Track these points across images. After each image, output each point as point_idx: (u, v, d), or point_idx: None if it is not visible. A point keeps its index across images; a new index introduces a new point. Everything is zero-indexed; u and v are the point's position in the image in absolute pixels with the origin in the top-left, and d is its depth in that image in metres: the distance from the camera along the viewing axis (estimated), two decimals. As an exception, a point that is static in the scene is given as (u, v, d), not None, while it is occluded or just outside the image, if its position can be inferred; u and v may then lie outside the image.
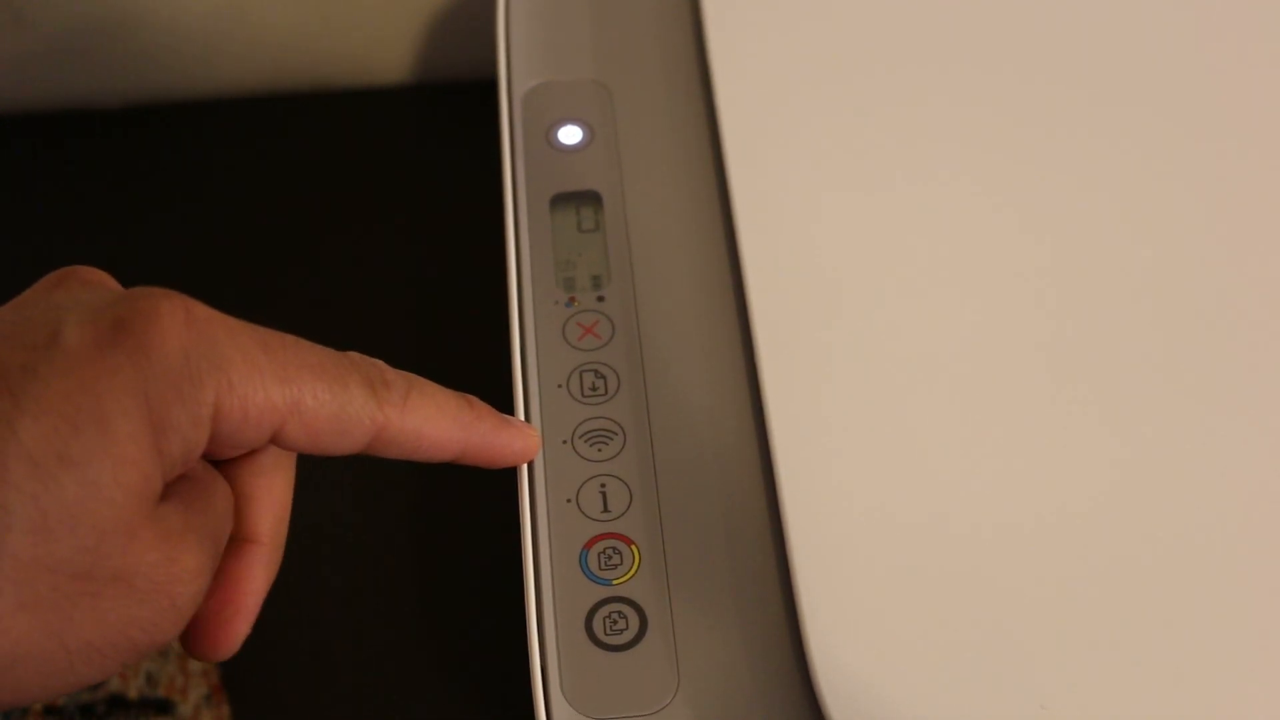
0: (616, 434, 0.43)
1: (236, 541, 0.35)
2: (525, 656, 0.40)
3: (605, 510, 0.42)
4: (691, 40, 0.52)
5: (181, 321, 0.31)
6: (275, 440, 0.33)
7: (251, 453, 0.35)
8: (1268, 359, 0.43)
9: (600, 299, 0.46)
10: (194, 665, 0.53)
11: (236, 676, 0.52)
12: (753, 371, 0.44)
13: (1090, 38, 0.51)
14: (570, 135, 0.49)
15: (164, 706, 0.52)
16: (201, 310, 0.32)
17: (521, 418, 0.44)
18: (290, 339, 0.33)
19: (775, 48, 0.50)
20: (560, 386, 0.44)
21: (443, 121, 0.66)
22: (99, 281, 0.33)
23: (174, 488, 0.32)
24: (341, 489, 0.54)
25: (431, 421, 0.36)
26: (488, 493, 0.45)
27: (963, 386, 0.43)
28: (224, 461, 0.35)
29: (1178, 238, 0.46)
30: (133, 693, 0.52)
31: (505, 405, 0.43)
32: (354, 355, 0.35)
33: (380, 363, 0.36)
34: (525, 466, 0.43)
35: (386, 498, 0.53)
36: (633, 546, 0.41)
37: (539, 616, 0.40)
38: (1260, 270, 0.45)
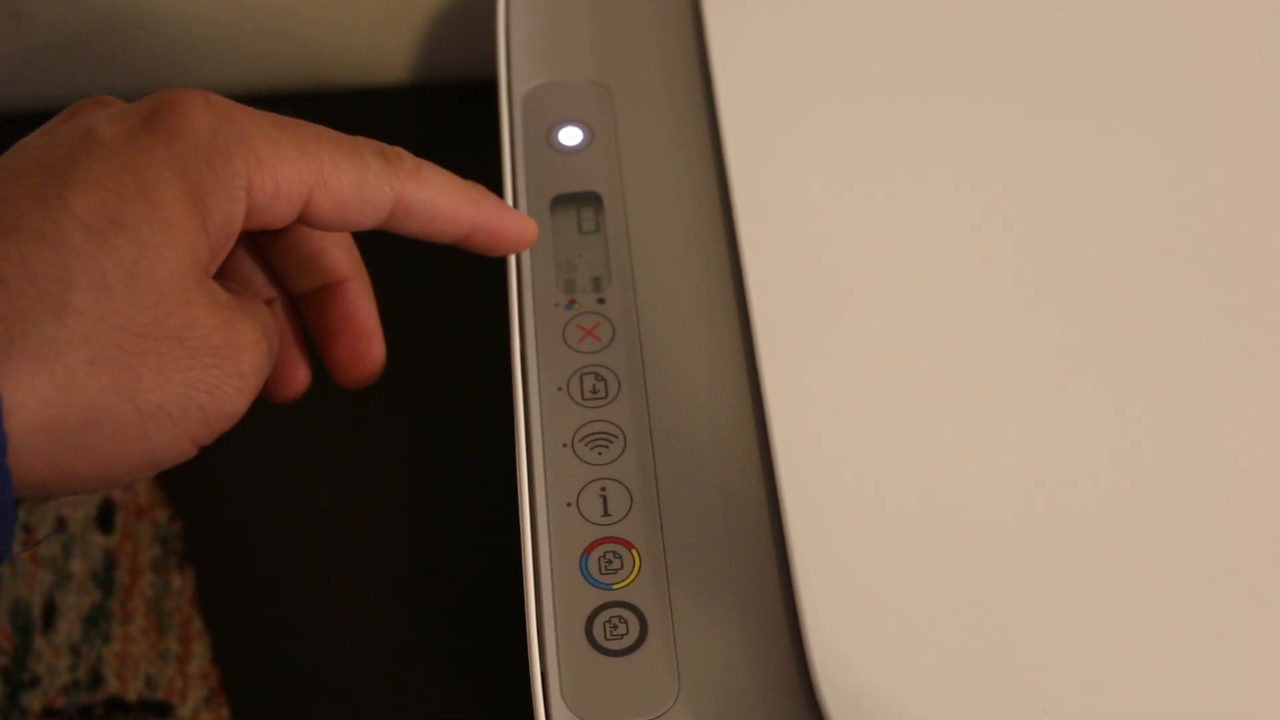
0: (617, 437, 0.43)
1: (329, 288, 0.39)
2: (525, 661, 0.39)
3: (605, 514, 0.41)
4: (692, 40, 0.51)
5: (203, 106, 0.33)
6: (305, 216, 0.35)
7: (300, 223, 0.36)
8: (1270, 348, 0.43)
9: (601, 301, 0.45)
10: (193, 668, 0.53)
11: (235, 679, 0.51)
12: (754, 374, 0.43)
13: (1092, 34, 0.50)
14: (571, 136, 0.49)
15: (163, 709, 0.51)
16: (219, 99, 0.34)
17: (521, 421, 0.43)
18: (302, 121, 0.35)
19: (776, 47, 0.49)
20: (560, 389, 0.44)
21: (442, 122, 0.66)
22: (114, 101, 0.35)
23: (222, 283, 0.34)
24: (341, 492, 0.53)
25: (444, 193, 0.37)
26: (487, 495, 0.44)
27: (965, 383, 0.42)
28: (279, 245, 0.38)
29: (1177, 225, 0.45)
30: (131, 695, 0.52)
31: (505, 408, 0.43)
32: (363, 137, 0.36)
33: (391, 144, 0.37)
34: (525, 468, 0.42)
35: (385, 501, 0.53)
36: (633, 551, 0.41)
37: (539, 621, 0.40)
38: (1262, 261, 0.44)
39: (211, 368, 0.32)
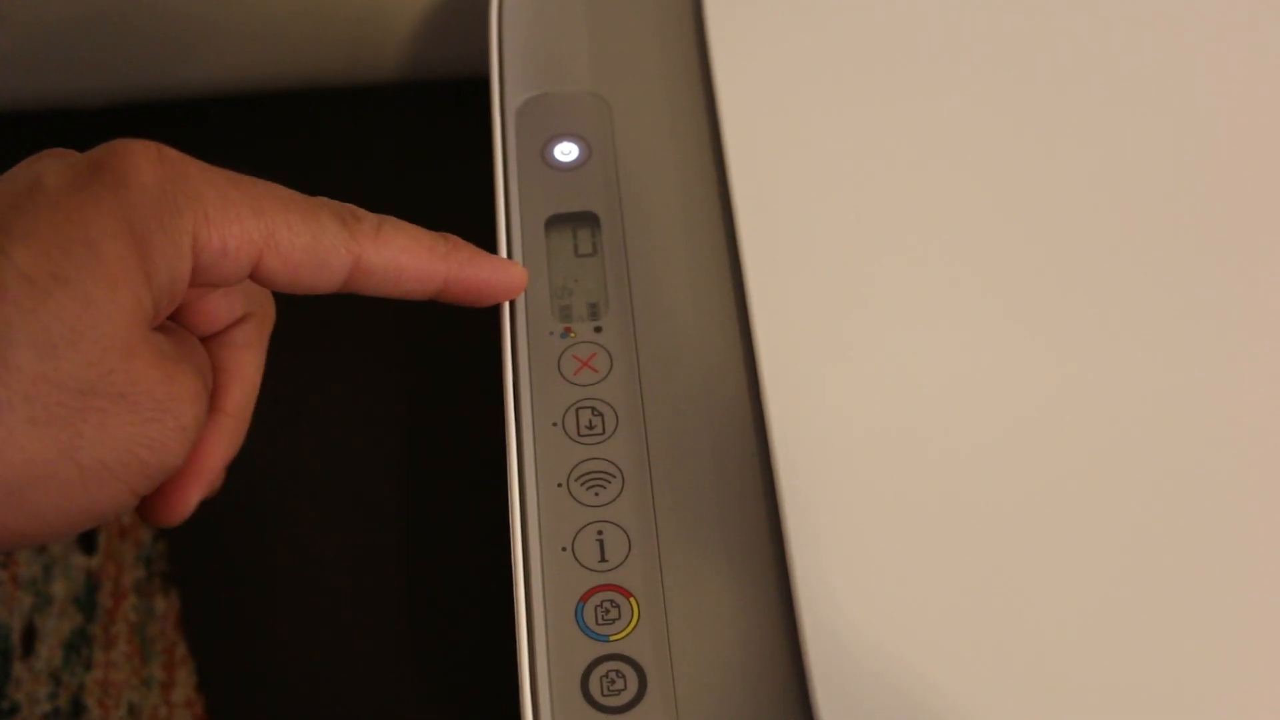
0: (614, 477, 0.40)
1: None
2: (520, 712, 0.37)
3: (602, 559, 0.39)
4: (694, 51, 0.48)
5: (155, 159, 0.32)
6: (255, 276, 0.34)
7: (225, 329, 0.36)
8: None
9: (598, 330, 0.42)
10: (177, 695, 0.50)
11: (221, 708, 0.49)
12: (759, 409, 0.40)
13: (1092, 35, 0.47)
14: (566, 152, 0.46)
15: (145, 743, 0.49)
16: (172, 151, 0.33)
17: (514, 460, 0.40)
18: (258, 179, 0.34)
19: (783, 57, 0.46)
20: (555, 424, 0.41)
21: (434, 121, 0.63)
22: (69, 151, 0.33)
23: (162, 330, 0.33)
24: (329, 519, 0.51)
25: (407, 252, 0.36)
26: (480, 537, 0.42)
27: (981, 416, 0.39)
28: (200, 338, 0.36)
29: (1178, 220, 0.43)
30: (113, 726, 0.49)
31: (497, 446, 0.40)
32: (320, 197, 0.35)
33: (351, 204, 0.36)
34: (518, 511, 0.39)
35: (375, 530, 0.50)
36: (631, 599, 0.38)
37: (532, 675, 0.37)
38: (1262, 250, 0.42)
39: (154, 422, 0.31)
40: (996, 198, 0.44)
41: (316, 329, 0.50)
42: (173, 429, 0.32)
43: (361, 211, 0.36)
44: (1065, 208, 0.44)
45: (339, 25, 0.61)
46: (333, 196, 0.61)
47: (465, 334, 0.47)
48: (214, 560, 0.53)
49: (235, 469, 0.46)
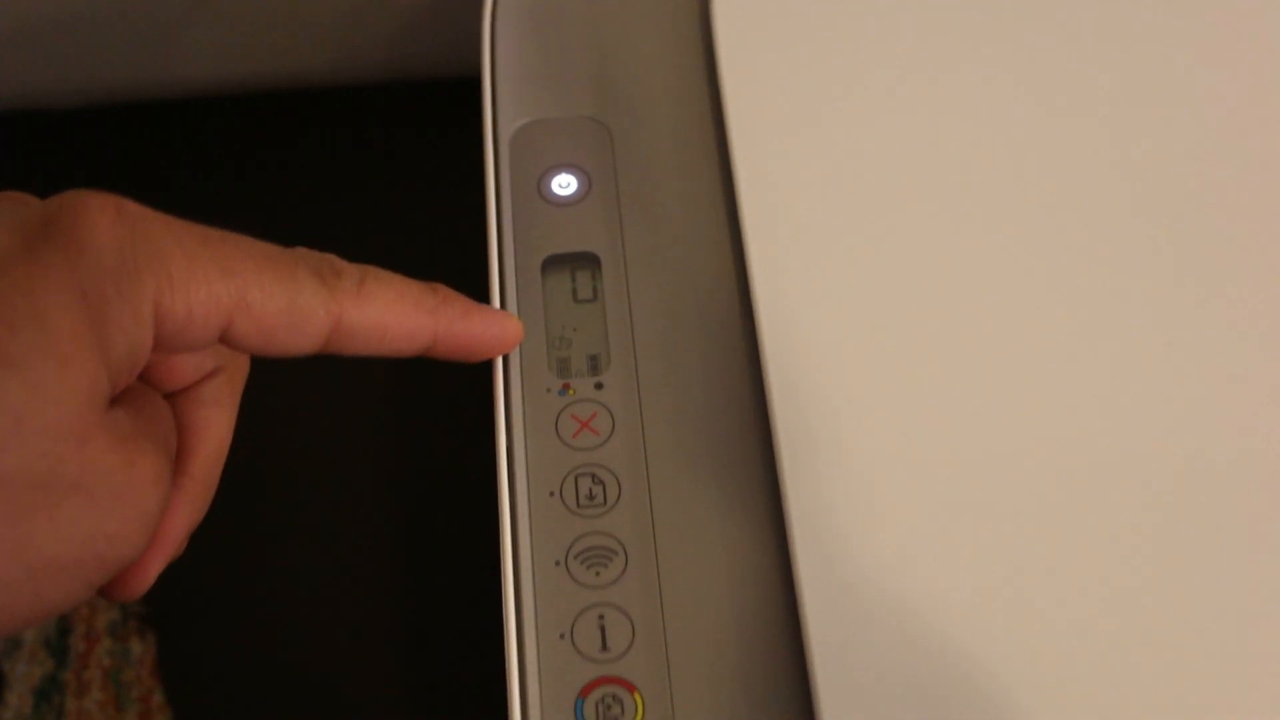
0: (617, 553, 0.36)
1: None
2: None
3: (604, 648, 0.35)
4: (702, 72, 0.44)
5: (113, 217, 0.29)
6: (225, 340, 0.30)
7: (193, 384, 0.33)
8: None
9: (598, 386, 0.39)
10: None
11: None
12: (774, 477, 0.37)
13: (1100, 43, 0.43)
14: (564, 185, 0.42)
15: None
16: (134, 206, 0.29)
17: (508, 533, 0.37)
18: (229, 233, 0.31)
19: (799, 83, 0.42)
20: (553, 494, 0.37)
21: (428, 121, 0.59)
22: (27, 199, 0.30)
23: (121, 398, 0.30)
24: (320, 595, 0.47)
25: (392, 309, 0.33)
26: (473, 620, 0.38)
27: (1016, 494, 0.36)
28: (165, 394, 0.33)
29: (1185, 226, 0.40)
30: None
31: (489, 517, 0.37)
32: (299, 249, 0.32)
33: (331, 255, 0.33)
34: (512, 594, 0.36)
35: (367, 599, 0.47)
36: (635, 694, 0.35)
37: (528, 781, 0.34)
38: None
39: (112, 513, 0.28)
40: (1021, 233, 0.40)
41: (302, 383, 0.46)
42: (133, 518, 0.29)
43: (342, 265, 0.33)
44: (1080, 227, 0.40)
45: (329, 22, 0.57)
46: (323, 199, 0.59)
47: (456, 384, 0.43)
48: (192, 602, 0.50)
49: (217, 511, 0.43)
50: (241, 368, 0.35)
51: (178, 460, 0.33)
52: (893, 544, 0.35)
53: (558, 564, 0.36)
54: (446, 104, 0.58)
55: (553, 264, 0.41)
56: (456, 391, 0.43)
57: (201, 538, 0.42)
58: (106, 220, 0.29)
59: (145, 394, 0.32)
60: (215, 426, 0.34)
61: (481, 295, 0.40)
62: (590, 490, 0.37)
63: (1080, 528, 0.36)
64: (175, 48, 0.58)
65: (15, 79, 0.59)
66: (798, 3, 0.44)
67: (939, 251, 0.40)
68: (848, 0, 0.44)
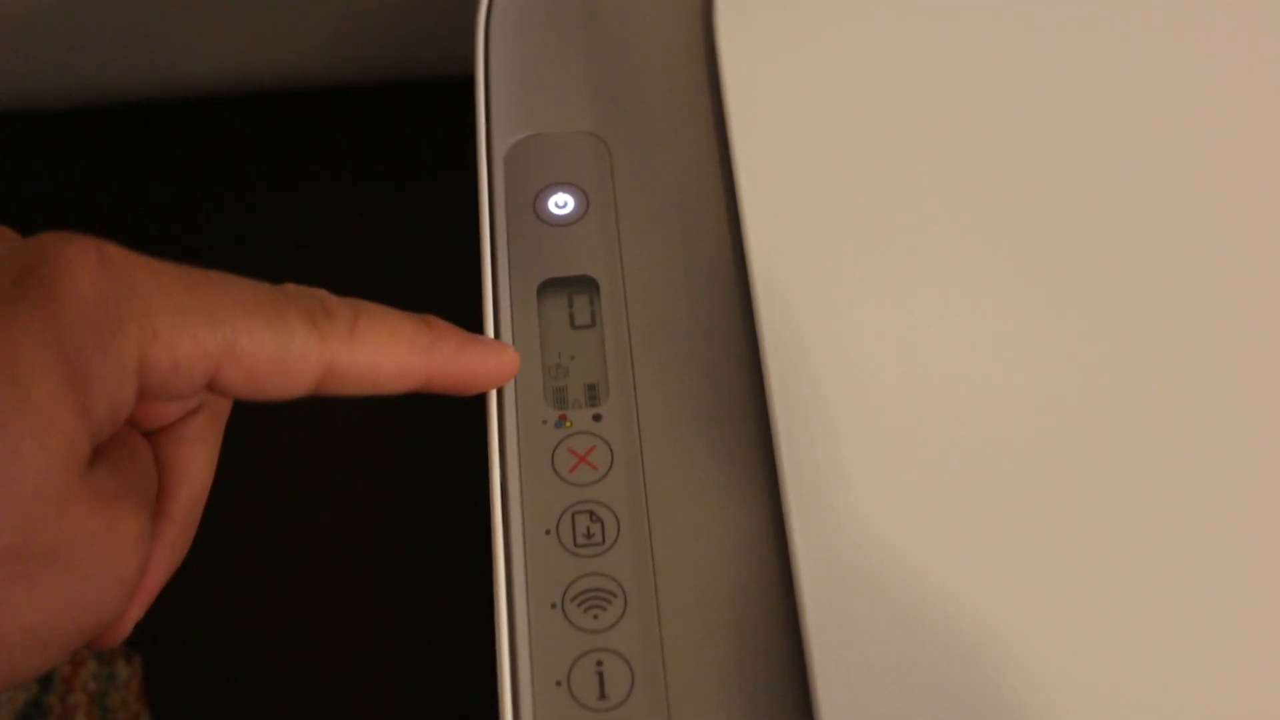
0: (616, 595, 0.35)
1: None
2: None
3: (602, 696, 0.34)
4: (705, 87, 0.42)
5: (94, 264, 0.27)
6: (213, 387, 0.29)
7: (174, 422, 0.32)
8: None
9: (597, 418, 0.37)
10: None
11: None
12: (780, 517, 0.35)
13: (1111, 64, 0.41)
14: (561, 204, 0.40)
15: None
16: (116, 251, 0.28)
17: (502, 575, 0.35)
18: (217, 275, 0.29)
19: (806, 99, 0.40)
20: (549, 533, 0.36)
21: (426, 131, 0.57)
22: (9, 236, 0.29)
23: (100, 449, 0.28)
24: (315, 660, 0.46)
25: (385, 350, 0.32)
26: (465, 666, 0.37)
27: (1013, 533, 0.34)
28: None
29: (1189, 243, 0.39)
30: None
31: (482, 556, 0.35)
32: (290, 287, 0.31)
33: (321, 291, 0.32)
34: (506, 639, 0.34)
35: (362, 659, 0.45)
36: (635, 746, 0.33)
37: (522, 838, 0.32)
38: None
39: (91, 580, 0.27)
40: (1027, 235, 0.39)
41: (291, 412, 0.45)
42: (113, 584, 0.28)
43: (333, 304, 0.32)
44: (1077, 209, 0.39)
45: (321, 20, 0.55)
46: (317, 202, 0.57)
47: (448, 416, 0.42)
48: (181, 625, 0.49)
49: (207, 536, 0.42)
50: (225, 403, 0.34)
51: (158, 502, 0.32)
52: (905, 597, 0.34)
53: (554, 607, 0.35)
54: (444, 104, 0.56)
55: (549, 288, 0.39)
56: (448, 424, 0.41)
57: (191, 561, 0.41)
58: (88, 269, 0.27)
59: (124, 438, 0.31)
60: (197, 465, 0.33)
61: (475, 320, 0.39)
62: (588, 528, 0.36)
63: (1082, 508, 0.35)
64: (167, 49, 0.56)
65: (5, 80, 0.57)
66: (802, 15, 0.42)
67: (944, 261, 0.38)
68: (854, 10, 0.42)
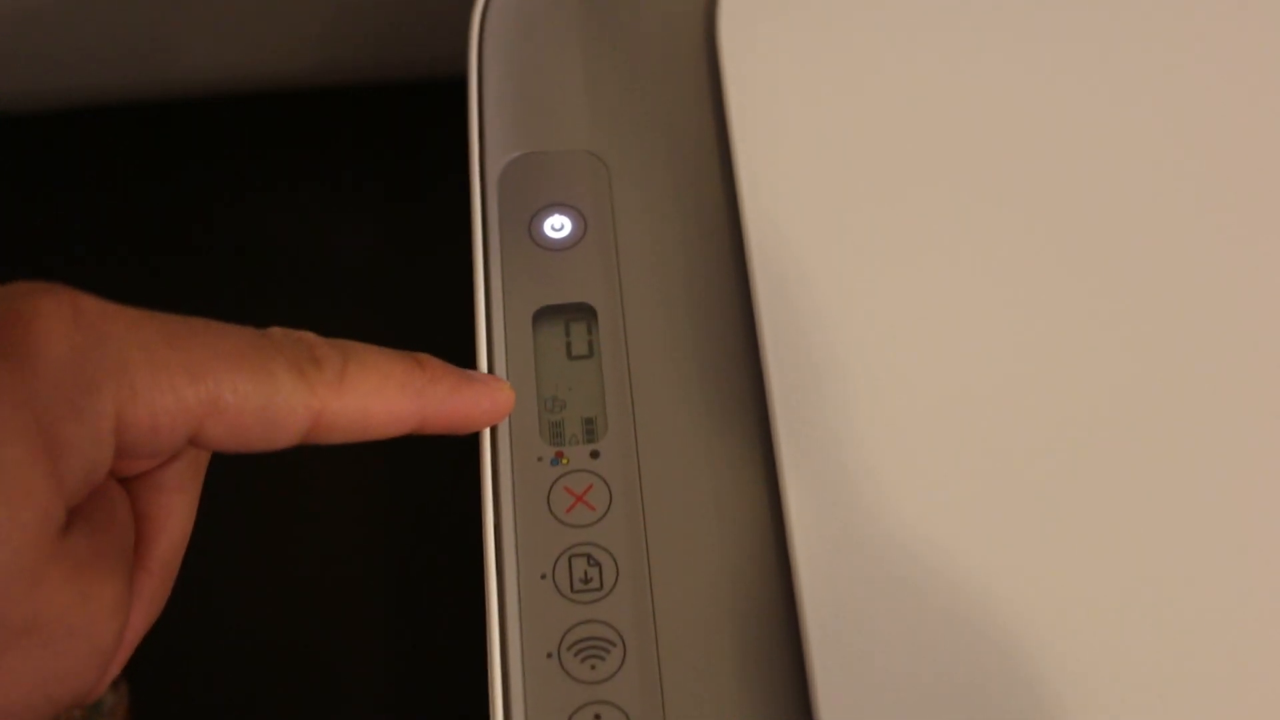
0: (615, 644, 0.33)
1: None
2: None
3: (600, 754, 0.32)
4: (708, 104, 0.40)
5: (69, 320, 0.26)
6: (195, 442, 0.28)
7: (153, 469, 0.30)
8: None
9: (594, 455, 0.35)
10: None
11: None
12: (787, 564, 0.33)
13: (1121, 71, 0.39)
14: (558, 227, 0.38)
15: None
16: (91, 304, 0.26)
17: (495, 622, 0.33)
18: (200, 324, 0.28)
19: (812, 118, 0.39)
20: (544, 577, 0.34)
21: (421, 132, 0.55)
22: None
23: (74, 508, 0.27)
24: (303, 697, 0.44)
25: (376, 396, 0.30)
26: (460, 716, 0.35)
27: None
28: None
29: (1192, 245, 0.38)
30: None
31: (475, 602, 0.33)
32: (276, 333, 0.30)
33: (308, 335, 0.30)
34: (500, 691, 0.33)
35: (353, 697, 0.44)
36: (635, 806, 0.32)
37: None
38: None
39: (66, 654, 0.26)
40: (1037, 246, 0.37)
41: (283, 469, 0.43)
42: (88, 654, 0.27)
43: (321, 350, 0.30)
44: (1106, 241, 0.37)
45: (315, 22, 0.54)
46: (310, 205, 0.55)
47: (435, 468, 0.40)
48: (167, 650, 0.47)
49: (190, 553, 0.41)
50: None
51: (136, 553, 0.31)
52: (915, 643, 0.32)
53: (550, 656, 0.33)
54: (440, 105, 0.54)
55: (545, 316, 0.37)
56: (440, 462, 0.39)
57: (178, 590, 0.39)
58: (61, 325, 0.26)
59: (100, 491, 0.29)
60: (177, 514, 0.31)
61: (467, 349, 0.37)
62: (585, 573, 0.34)
63: (1088, 495, 0.34)
64: (157, 50, 0.54)
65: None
66: (810, 28, 0.40)
67: (954, 283, 0.37)
68: (863, 20, 0.40)
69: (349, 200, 0.56)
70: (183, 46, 0.55)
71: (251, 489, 0.37)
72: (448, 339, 0.39)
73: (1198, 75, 0.40)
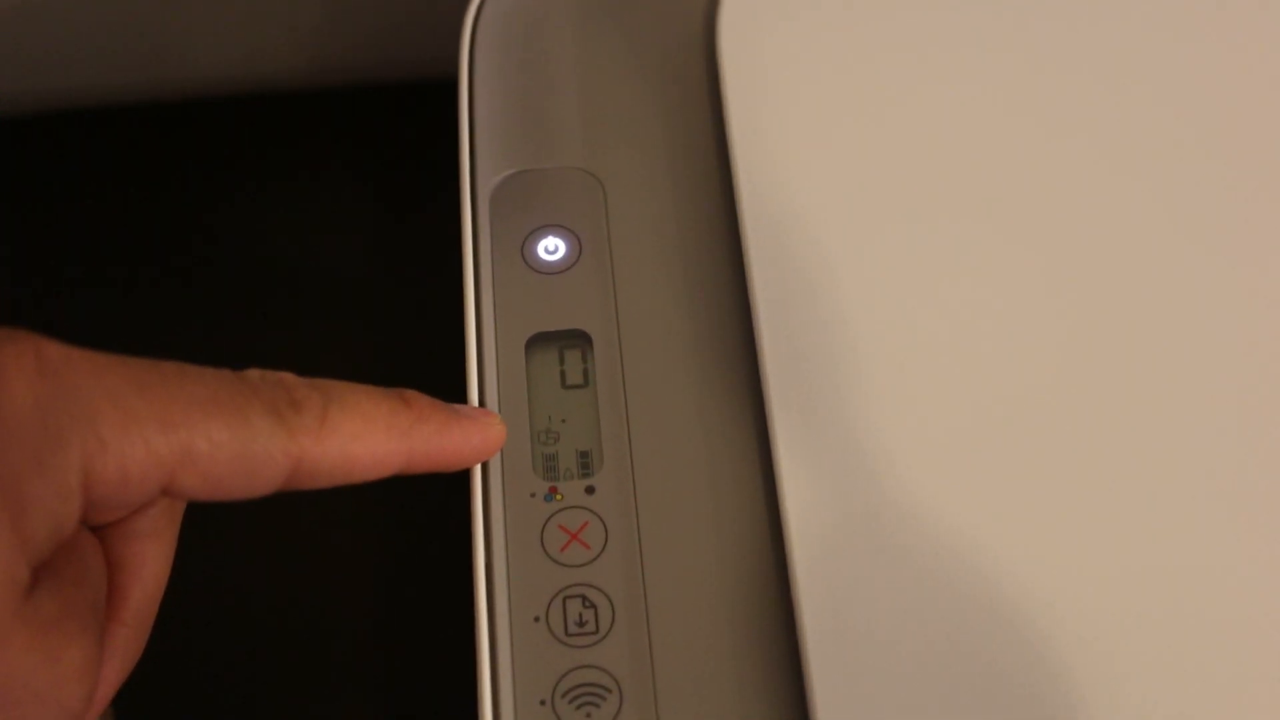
0: (611, 691, 0.32)
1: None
2: None
3: (596, 807, 0.31)
4: (708, 120, 0.38)
5: (32, 370, 0.25)
6: (169, 493, 0.27)
7: (126, 516, 0.29)
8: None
9: (589, 490, 0.34)
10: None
11: None
12: (790, 602, 0.32)
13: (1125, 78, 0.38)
14: (552, 249, 0.36)
15: None
16: (55, 351, 0.25)
17: (486, 666, 0.32)
18: (172, 369, 0.27)
19: (816, 134, 0.37)
20: (538, 619, 0.32)
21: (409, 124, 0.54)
22: None
23: (40, 564, 0.26)
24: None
25: (360, 439, 0.29)
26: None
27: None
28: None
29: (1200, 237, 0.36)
30: None
31: (465, 646, 0.32)
32: (252, 375, 0.28)
33: (287, 376, 0.29)
34: (491, 742, 0.31)
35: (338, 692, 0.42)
36: None
37: None
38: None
39: (32, 718, 0.25)
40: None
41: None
42: (56, 717, 0.26)
43: (301, 393, 0.28)
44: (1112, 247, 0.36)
45: (313, 21, 0.52)
46: (304, 209, 0.54)
47: (425, 503, 0.38)
48: (155, 677, 0.46)
49: (181, 578, 0.39)
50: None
51: (109, 604, 0.29)
52: (917, 690, 0.31)
53: (543, 704, 0.32)
54: (442, 107, 0.52)
55: (538, 343, 0.35)
56: (429, 499, 0.38)
57: (162, 621, 0.38)
58: (24, 377, 0.25)
59: (68, 543, 0.28)
60: (152, 562, 0.30)
61: (456, 377, 0.35)
62: (580, 615, 0.32)
63: (1095, 487, 0.33)
64: (150, 52, 0.53)
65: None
66: (813, 40, 0.38)
67: (958, 316, 0.35)
68: (868, 39, 0.38)
69: (344, 207, 0.54)
70: (176, 48, 0.54)
71: (224, 539, 0.35)
72: (439, 352, 0.37)
73: (1206, 71, 0.38)
